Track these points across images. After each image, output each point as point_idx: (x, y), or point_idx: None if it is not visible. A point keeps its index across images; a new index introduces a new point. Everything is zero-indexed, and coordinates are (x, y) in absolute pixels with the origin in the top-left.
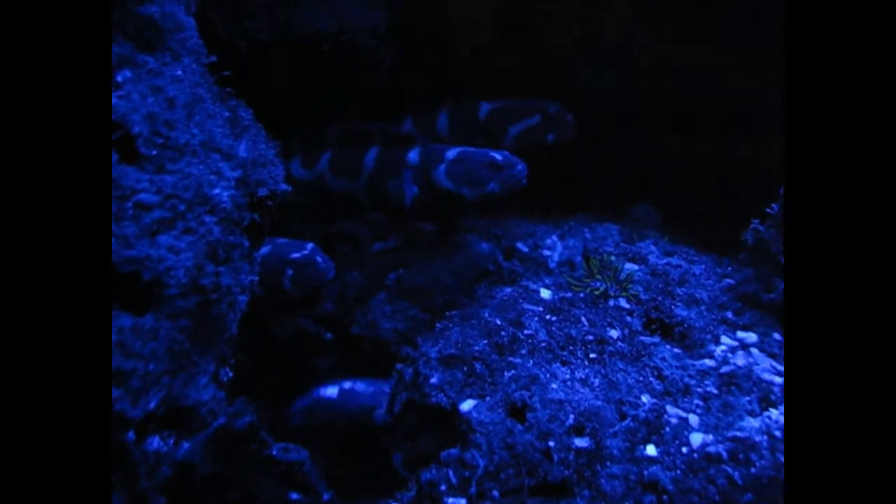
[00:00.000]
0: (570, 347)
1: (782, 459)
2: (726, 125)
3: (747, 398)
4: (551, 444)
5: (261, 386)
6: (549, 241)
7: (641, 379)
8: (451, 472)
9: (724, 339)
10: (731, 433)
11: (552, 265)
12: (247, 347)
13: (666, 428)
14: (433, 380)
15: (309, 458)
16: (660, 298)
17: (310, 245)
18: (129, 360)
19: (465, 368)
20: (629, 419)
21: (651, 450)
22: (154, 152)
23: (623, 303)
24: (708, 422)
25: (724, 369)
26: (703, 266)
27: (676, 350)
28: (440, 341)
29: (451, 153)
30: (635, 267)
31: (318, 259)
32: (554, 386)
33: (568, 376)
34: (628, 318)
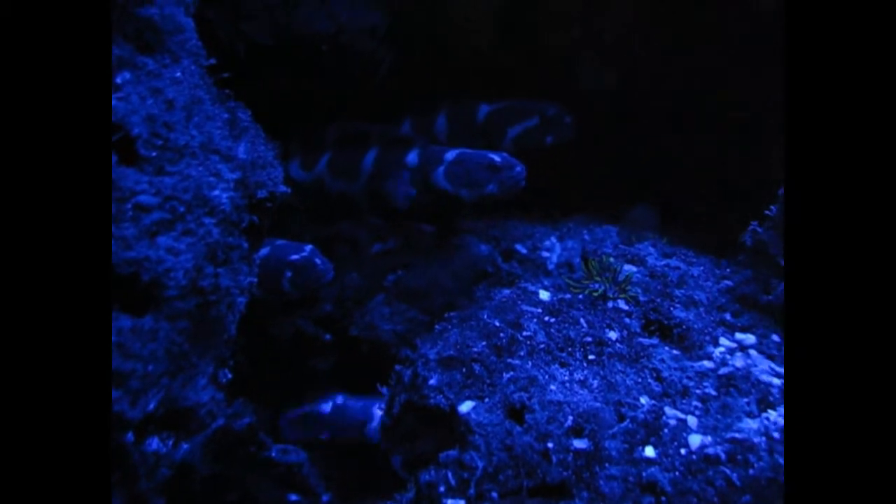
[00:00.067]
0: (569, 349)
1: (780, 461)
2: (726, 126)
3: (746, 400)
4: (550, 445)
5: (260, 387)
6: (547, 243)
7: (640, 380)
8: (449, 474)
9: (722, 340)
10: (729, 435)
11: (551, 267)
12: (245, 349)
13: (664, 429)
14: (432, 381)
15: (308, 460)
16: (658, 300)
17: (309, 247)
18: (128, 362)
19: (464, 370)
20: (628, 421)
21: (650, 451)
22: (153, 154)
23: (622, 304)
24: (706, 423)
25: (723, 371)
26: (702, 268)
27: (675, 351)
28: (439, 343)
29: (450, 155)
30: (634, 268)
31: (317, 261)
32: (553, 387)
33: (567, 378)
34: (627, 320)
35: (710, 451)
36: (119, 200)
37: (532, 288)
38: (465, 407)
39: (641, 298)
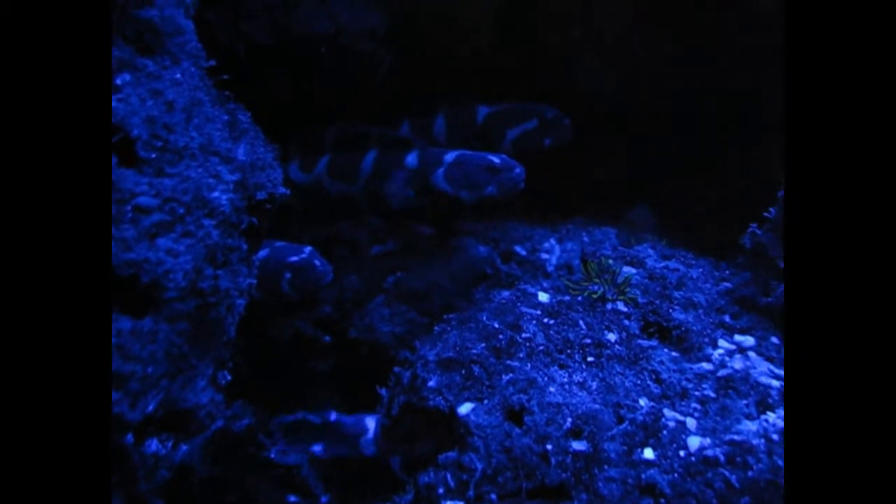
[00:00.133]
0: (568, 351)
1: (779, 463)
2: (726, 126)
3: (744, 402)
4: (549, 447)
5: (259, 389)
6: (546, 245)
7: (639, 382)
8: (448, 476)
9: (721, 342)
10: (728, 437)
11: (550, 268)
12: (245, 351)
13: (663, 431)
14: (431, 383)
15: (307, 461)
16: (657, 302)
17: (308, 248)
18: (127, 363)
19: (463, 371)
20: (627, 423)
21: (648, 453)
22: (153, 155)
23: (621, 306)
24: (705, 425)
25: (722, 373)
26: (701, 269)
27: (674, 353)
28: (438, 344)
29: (450, 157)
30: (633, 270)
31: (317, 262)
32: (552, 389)
33: (566, 380)
34: (626, 322)
35: (709, 453)
36: (119, 202)
37: (531, 290)
38: (465, 409)
39: (640, 300)
